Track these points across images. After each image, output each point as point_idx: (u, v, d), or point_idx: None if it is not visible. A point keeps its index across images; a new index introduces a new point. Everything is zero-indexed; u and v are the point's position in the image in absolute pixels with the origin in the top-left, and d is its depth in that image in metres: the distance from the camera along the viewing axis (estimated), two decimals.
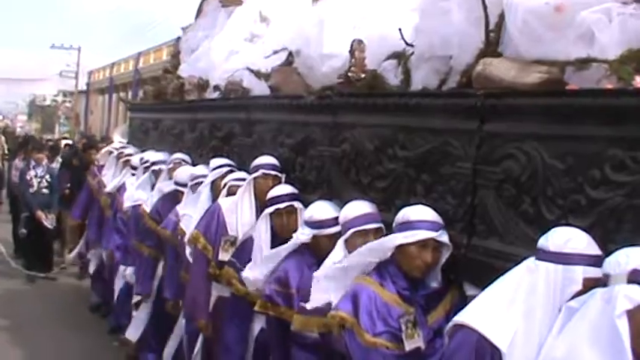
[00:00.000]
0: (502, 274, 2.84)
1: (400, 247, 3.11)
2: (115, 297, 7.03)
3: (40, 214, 10.00)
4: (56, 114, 51.16)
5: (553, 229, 2.55)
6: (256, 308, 3.90)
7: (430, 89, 3.50)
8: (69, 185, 10.32)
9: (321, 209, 3.87)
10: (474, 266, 3.10)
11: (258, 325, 4.29)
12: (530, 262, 2.52)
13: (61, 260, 10.44)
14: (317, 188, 4.35)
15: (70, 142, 16.34)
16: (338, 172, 4.14)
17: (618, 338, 2.09)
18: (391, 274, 3.16)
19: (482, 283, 3.03)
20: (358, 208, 3.57)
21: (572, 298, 2.36)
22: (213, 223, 4.65)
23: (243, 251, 4.42)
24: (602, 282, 2.28)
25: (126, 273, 6.75)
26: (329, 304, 3.36)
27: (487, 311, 2.46)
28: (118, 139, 9.59)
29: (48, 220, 10.04)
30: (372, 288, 3.14)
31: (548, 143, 2.80)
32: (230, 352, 4.31)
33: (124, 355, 6.56)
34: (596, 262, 2.40)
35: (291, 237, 4.12)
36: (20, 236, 10.35)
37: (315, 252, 3.83)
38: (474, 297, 3.14)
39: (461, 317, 2.52)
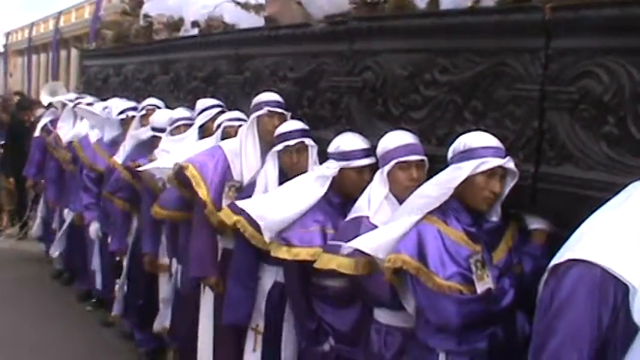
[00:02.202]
0: (581, 202, 2.61)
1: (466, 178, 2.79)
2: (93, 262, 6.50)
3: None
4: None
5: None
6: (276, 255, 3.53)
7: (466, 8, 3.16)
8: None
9: (348, 140, 3.53)
10: (545, 196, 2.82)
11: (269, 279, 3.91)
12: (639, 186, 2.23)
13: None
14: (332, 124, 3.99)
15: None
16: (359, 104, 3.79)
17: None
18: (454, 209, 2.86)
19: (557, 214, 2.79)
20: (399, 138, 3.24)
21: None
22: (216, 166, 4.18)
23: (245, 197, 4.01)
24: None
25: (91, 229, 6.27)
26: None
27: (604, 244, 2.13)
28: (47, 99, 9.02)
29: None
30: (436, 227, 2.83)
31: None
32: (238, 310, 3.91)
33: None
34: None
35: None
36: None
37: (340, 188, 3.49)
38: (538, 231, 2.90)
39: (574, 252, 2.21)
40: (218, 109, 4.85)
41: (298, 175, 3.77)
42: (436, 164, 3.17)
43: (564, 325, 2.14)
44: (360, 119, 3.77)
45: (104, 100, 7.09)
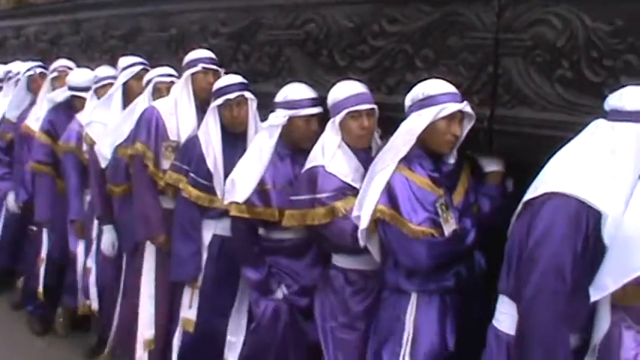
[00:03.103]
0: (537, 141, 2.79)
1: (427, 125, 2.90)
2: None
3: None
4: None
5: (624, 89, 2.42)
6: (232, 213, 3.55)
7: None
8: None
9: (296, 89, 3.56)
10: (501, 137, 2.98)
11: (208, 233, 3.93)
12: (602, 123, 2.40)
13: None
14: (272, 77, 4.03)
15: None
16: (301, 56, 3.83)
17: None
18: (418, 156, 2.96)
19: (513, 153, 2.95)
20: (350, 87, 3.30)
21: None
22: (152, 130, 4.13)
23: (185, 154, 4.00)
24: None
25: (8, 200, 5.94)
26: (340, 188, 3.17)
27: (577, 177, 2.32)
28: None
29: None
30: (404, 175, 2.92)
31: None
32: (186, 265, 3.91)
33: None
34: None
35: (243, 131, 3.87)
36: None
37: (288, 138, 3.54)
38: (494, 172, 3.06)
39: (549, 186, 2.36)
40: (141, 67, 4.74)
41: (239, 129, 3.84)
42: (387, 112, 3.27)
43: (546, 254, 2.31)
44: (303, 71, 3.82)
45: (4, 63, 6.75)
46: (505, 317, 2.51)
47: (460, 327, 2.94)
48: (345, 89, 3.29)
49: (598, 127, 2.42)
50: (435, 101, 2.91)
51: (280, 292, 3.56)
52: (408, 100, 3.02)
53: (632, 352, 2.31)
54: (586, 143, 2.42)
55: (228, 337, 3.86)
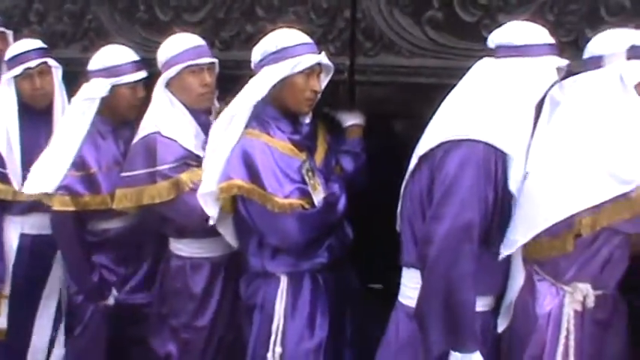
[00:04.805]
0: (409, 89, 2.60)
1: (283, 81, 2.51)
2: None
3: None
4: None
5: (508, 24, 2.24)
6: (55, 207, 2.97)
7: None
8: None
9: (115, 52, 3.01)
10: (365, 88, 2.71)
11: (14, 232, 3.33)
12: (490, 62, 2.21)
13: None
14: (76, 40, 3.45)
15: None
16: (112, 14, 3.29)
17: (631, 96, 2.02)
18: (274, 118, 2.57)
19: (380, 105, 2.73)
20: (186, 40, 2.83)
21: (550, 88, 2.17)
22: None
23: None
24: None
25: None
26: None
27: (475, 121, 2.10)
28: None
29: None
30: (262, 141, 2.52)
31: None
32: None
33: None
34: (556, 50, 2.21)
35: (48, 106, 3.26)
36: None
37: (110, 110, 3.01)
38: (354, 126, 2.82)
39: (449, 134, 2.11)
40: None
41: (42, 103, 3.25)
42: (223, 69, 2.87)
43: (453, 209, 2.05)
44: (116, 31, 3.28)
45: None
46: (417, 292, 2.18)
47: (336, 307, 2.62)
48: (181, 42, 2.82)
49: (486, 66, 2.22)
50: (289, 53, 2.52)
51: (112, 299, 3.09)
52: (257, 55, 2.60)
53: (548, 306, 2.14)
54: (476, 85, 2.21)
55: (35, 342, 3.36)
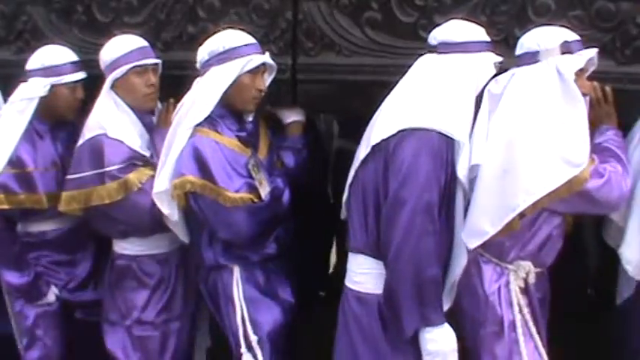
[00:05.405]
0: (349, 87, 2.70)
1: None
2: None
3: None
4: None
5: (449, 22, 2.40)
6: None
7: None
8: None
9: (54, 52, 3.01)
10: (307, 87, 2.81)
11: None
12: (432, 58, 2.37)
13: None
14: (9, 42, 3.39)
15: None
16: (47, 15, 3.28)
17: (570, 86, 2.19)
18: (221, 116, 2.65)
19: (322, 102, 2.83)
20: (130, 41, 2.87)
21: (487, 83, 2.34)
22: None
23: None
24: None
25: None
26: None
27: (425, 111, 2.25)
28: None
29: None
30: (212, 138, 2.59)
31: None
32: None
33: None
34: (492, 47, 2.39)
35: None
36: None
37: (48, 111, 3.01)
38: (295, 122, 2.92)
39: (401, 124, 2.24)
40: None
41: None
42: (165, 71, 2.91)
43: (414, 193, 2.18)
44: (53, 33, 3.26)
45: None
46: (367, 277, 2.32)
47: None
48: (126, 44, 2.86)
49: (429, 62, 2.37)
50: (238, 53, 2.61)
51: (52, 295, 3.06)
52: (204, 55, 2.67)
53: (495, 284, 2.29)
54: (422, 79, 2.35)
55: None
